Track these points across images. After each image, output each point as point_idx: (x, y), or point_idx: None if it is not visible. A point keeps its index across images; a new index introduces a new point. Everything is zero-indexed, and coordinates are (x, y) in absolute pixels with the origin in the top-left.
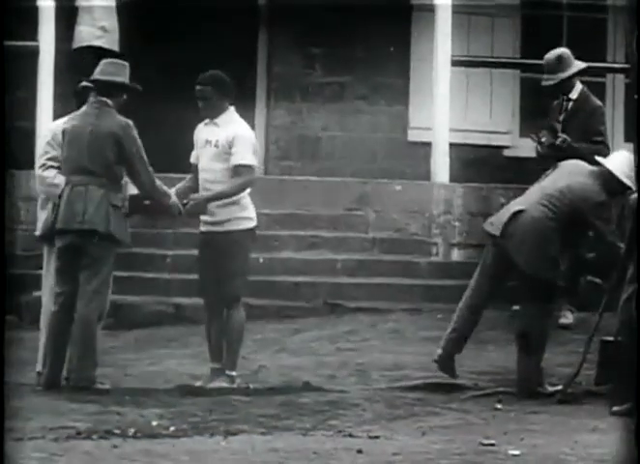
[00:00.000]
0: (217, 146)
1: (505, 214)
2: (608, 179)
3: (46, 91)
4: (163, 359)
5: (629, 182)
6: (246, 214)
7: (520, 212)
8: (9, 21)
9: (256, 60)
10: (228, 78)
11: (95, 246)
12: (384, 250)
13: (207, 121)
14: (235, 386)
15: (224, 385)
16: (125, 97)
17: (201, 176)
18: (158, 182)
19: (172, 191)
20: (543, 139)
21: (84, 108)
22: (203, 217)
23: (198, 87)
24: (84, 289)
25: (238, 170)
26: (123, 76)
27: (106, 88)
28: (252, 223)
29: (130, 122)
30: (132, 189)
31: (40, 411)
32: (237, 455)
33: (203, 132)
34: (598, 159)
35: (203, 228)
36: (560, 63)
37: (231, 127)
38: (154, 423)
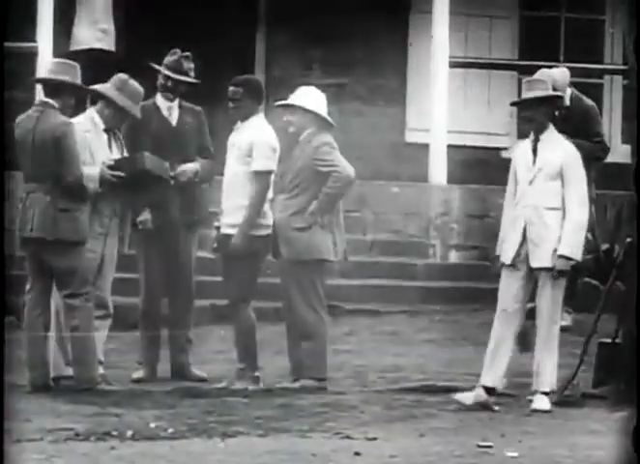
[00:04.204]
0: (239, 148)
1: None
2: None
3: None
4: (162, 360)
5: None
6: (263, 220)
7: None
8: (8, 22)
9: (254, 61)
10: (261, 84)
11: (48, 253)
12: (382, 252)
13: (238, 125)
14: (261, 386)
15: (250, 387)
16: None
17: (224, 179)
18: (86, 183)
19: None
20: None
21: (27, 112)
22: (223, 220)
23: (231, 88)
24: (59, 295)
25: (255, 177)
26: (70, 76)
27: (52, 88)
28: (267, 231)
29: (71, 120)
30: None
31: (38, 412)
32: (235, 457)
33: (232, 136)
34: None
35: (222, 230)
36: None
37: (253, 131)
38: (152, 425)
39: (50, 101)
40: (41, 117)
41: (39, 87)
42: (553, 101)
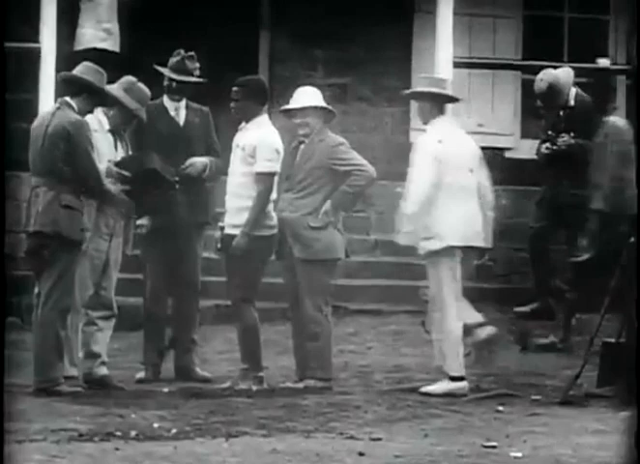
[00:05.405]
0: (243, 149)
1: None
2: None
3: (48, 92)
4: (166, 360)
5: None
6: (266, 221)
7: None
8: (10, 22)
9: (258, 61)
10: (265, 84)
11: (45, 248)
12: (385, 252)
13: (242, 125)
14: (265, 386)
15: (254, 387)
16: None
17: (228, 179)
18: (106, 183)
19: (118, 190)
20: (546, 150)
21: (47, 110)
22: (227, 221)
23: (234, 89)
24: (42, 291)
25: (258, 178)
26: (95, 80)
27: (74, 88)
28: (271, 231)
29: (85, 120)
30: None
31: (41, 413)
32: (238, 457)
33: (237, 137)
34: None
35: (226, 230)
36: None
37: (256, 132)
38: (155, 425)
39: (69, 100)
40: (56, 113)
41: (41, 88)
42: (430, 97)
